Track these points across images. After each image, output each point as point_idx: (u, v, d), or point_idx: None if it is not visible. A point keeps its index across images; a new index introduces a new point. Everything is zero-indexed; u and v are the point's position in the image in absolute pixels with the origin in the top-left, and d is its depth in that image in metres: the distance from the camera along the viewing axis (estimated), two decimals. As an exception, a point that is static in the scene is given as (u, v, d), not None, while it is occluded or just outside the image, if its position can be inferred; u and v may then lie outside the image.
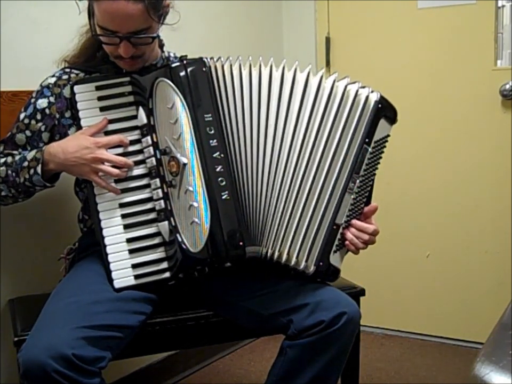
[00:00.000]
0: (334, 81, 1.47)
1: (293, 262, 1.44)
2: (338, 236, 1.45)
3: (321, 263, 1.43)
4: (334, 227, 1.44)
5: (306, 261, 1.43)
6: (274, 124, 1.44)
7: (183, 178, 1.38)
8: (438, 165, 2.54)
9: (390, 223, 2.66)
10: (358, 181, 1.46)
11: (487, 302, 2.47)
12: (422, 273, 2.61)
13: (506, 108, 2.38)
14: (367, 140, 1.46)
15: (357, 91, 1.47)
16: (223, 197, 1.37)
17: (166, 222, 1.41)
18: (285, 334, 1.45)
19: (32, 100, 1.52)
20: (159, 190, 1.42)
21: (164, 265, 1.42)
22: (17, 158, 1.47)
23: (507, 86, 2.34)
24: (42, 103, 1.51)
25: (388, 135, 1.50)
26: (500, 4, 2.37)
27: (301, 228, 1.43)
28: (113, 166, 1.40)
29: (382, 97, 1.48)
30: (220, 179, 1.37)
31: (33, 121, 1.51)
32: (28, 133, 1.52)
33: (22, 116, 1.52)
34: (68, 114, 1.51)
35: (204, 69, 1.41)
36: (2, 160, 1.49)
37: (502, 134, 2.39)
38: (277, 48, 2.73)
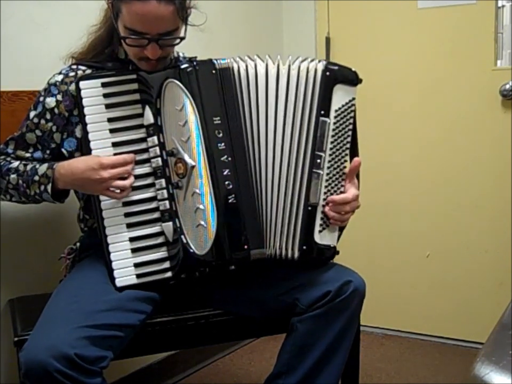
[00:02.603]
0: (289, 65, 1.45)
1: (282, 253, 1.45)
2: (320, 215, 1.44)
3: (304, 247, 1.44)
4: (309, 208, 1.44)
5: (292, 248, 1.44)
6: (265, 122, 1.44)
7: (190, 181, 1.39)
8: (438, 165, 2.54)
9: (390, 223, 2.66)
10: (324, 156, 1.43)
11: (487, 302, 2.46)
12: (422, 273, 2.61)
13: (506, 108, 2.38)
14: (322, 113, 1.44)
15: (308, 67, 1.45)
16: (230, 201, 1.39)
17: (170, 223, 1.41)
18: (292, 313, 1.46)
19: (41, 99, 1.52)
20: (164, 191, 1.42)
21: (166, 264, 1.43)
22: (28, 167, 1.47)
23: (507, 86, 2.34)
24: (50, 102, 1.50)
25: (353, 98, 1.46)
26: (500, 3, 2.37)
27: (284, 218, 1.44)
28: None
29: (329, 63, 1.45)
30: (227, 182, 1.39)
31: (42, 121, 1.51)
32: (38, 132, 1.51)
33: (31, 114, 1.52)
34: (76, 112, 1.49)
35: (214, 71, 1.42)
36: (14, 165, 1.49)
37: (502, 134, 2.39)
38: (277, 48, 2.73)
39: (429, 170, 2.56)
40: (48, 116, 1.50)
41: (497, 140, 2.40)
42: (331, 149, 1.44)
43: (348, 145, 1.46)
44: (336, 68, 1.45)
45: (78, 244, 1.60)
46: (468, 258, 2.52)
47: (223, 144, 1.40)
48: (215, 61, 1.43)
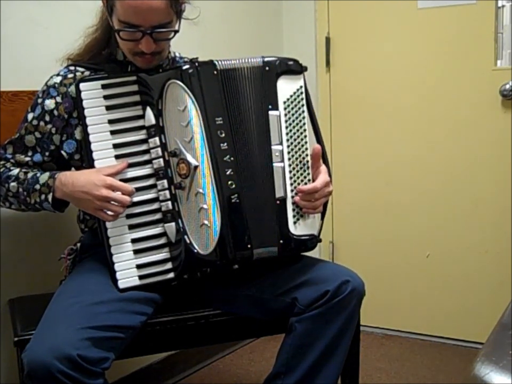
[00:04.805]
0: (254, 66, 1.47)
1: (264, 254, 1.45)
2: (291, 207, 1.45)
3: (281, 241, 1.44)
4: (278, 202, 1.44)
5: (273, 245, 1.44)
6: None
7: (193, 181, 1.39)
8: (438, 165, 2.54)
9: (390, 223, 2.66)
10: (281, 148, 1.44)
11: (487, 302, 2.47)
12: (422, 273, 2.61)
13: (506, 107, 2.38)
14: (270, 107, 1.45)
15: (246, 67, 1.45)
16: (233, 200, 1.40)
17: (173, 223, 1.42)
18: (291, 313, 1.46)
19: (39, 100, 1.51)
20: (166, 191, 1.42)
21: (169, 265, 1.43)
22: (29, 175, 1.46)
23: (507, 86, 2.34)
24: (50, 104, 1.50)
25: (301, 87, 1.47)
26: (500, 3, 2.37)
27: (261, 216, 1.44)
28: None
29: (268, 58, 1.46)
30: (230, 182, 1.40)
31: (41, 123, 1.50)
32: (37, 134, 1.51)
33: (30, 116, 1.51)
34: (75, 114, 1.49)
35: (215, 72, 1.43)
36: (14, 172, 1.48)
37: (502, 134, 2.39)
38: (277, 48, 2.73)
39: (429, 170, 2.56)
40: (47, 118, 1.50)
41: (497, 139, 2.40)
42: (288, 140, 1.45)
43: (306, 133, 1.47)
44: (276, 61, 1.46)
45: (78, 245, 1.60)
46: (467, 258, 2.52)
47: (225, 144, 1.41)
48: (216, 62, 1.44)
